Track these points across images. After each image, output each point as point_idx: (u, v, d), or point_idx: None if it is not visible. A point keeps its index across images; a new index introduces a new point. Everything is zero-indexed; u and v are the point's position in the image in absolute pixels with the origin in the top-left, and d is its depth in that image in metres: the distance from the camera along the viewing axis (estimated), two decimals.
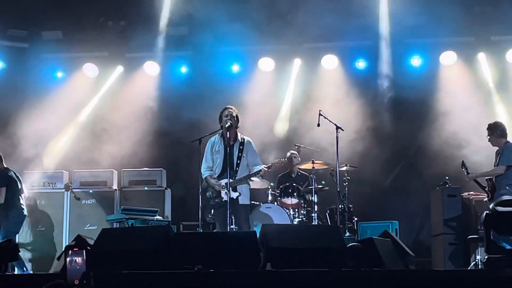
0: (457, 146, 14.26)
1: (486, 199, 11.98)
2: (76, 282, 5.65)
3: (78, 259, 5.84)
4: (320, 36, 15.22)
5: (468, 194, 13.03)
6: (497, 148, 11.74)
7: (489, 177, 11.75)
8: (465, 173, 12.06)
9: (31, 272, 12.90)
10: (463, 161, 12.29)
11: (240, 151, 11.17)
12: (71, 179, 14.55)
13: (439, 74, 15.46)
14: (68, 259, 5.83)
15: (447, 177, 12.80)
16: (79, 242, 8.81)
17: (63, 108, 15.51)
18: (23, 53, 15.85)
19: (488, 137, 11.86)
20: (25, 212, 12.63)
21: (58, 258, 9.03)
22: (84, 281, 5.62)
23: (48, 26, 15.67)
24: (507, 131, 11.95)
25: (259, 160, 11.33)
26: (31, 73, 15.66)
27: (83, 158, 15.09)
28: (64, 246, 12.97)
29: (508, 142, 11.68)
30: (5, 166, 12.60)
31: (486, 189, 11.82)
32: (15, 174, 12.58)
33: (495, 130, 11.77)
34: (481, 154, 12.97)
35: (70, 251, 5.85)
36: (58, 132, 15.46)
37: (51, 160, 15.04)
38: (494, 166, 11.69)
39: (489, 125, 11.95)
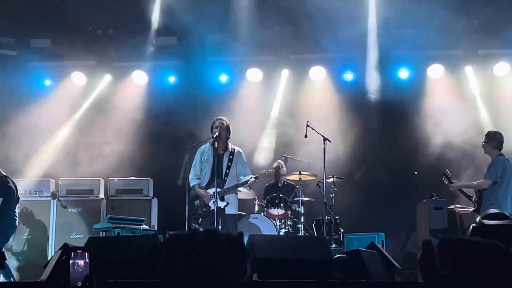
0: (445, 158, 14.32)
1: (472, 209, 12.03)
2: (79, 284, 5.63)
3: (81, 262, 5.81)
4: (308, 48, 15.30)
5: (455, 207, 13.07)
6: (490, 158, 11.78)
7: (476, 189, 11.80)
8: (446, 182, 12.08)
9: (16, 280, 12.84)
10: (445, 170, 12.32)
11: (230, 160, 11.20)
12: (57, 188, 14.51)
13: (426, 87, 15.52)
14: (70, 262, 5.80)
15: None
16: (66, 251, 8.78)
17: (50, 116, 15.47)
18: (11, 61, 15.81)
19: (484, 143, 11.90)
20: (17, 223, 12.55)
21: (45, 266, 8.99)
22: (87, 284, 5.60)
23: (37, 34, 15.66)
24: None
25: (249, 171, 11.37)
26: (19, 81, 15.63)
27: (70, 167, 15.05)
28: (50, 254, 12.93)
29: (500, 155, 11.71)
30: (4, 174, 12.35)
31: (473, 199, 11.85)
32: (13, 183, 12.39)
33: (493, 140, 11.80)
34: (469, 166, 13.02)
35: (72, 253, 5.82)
36: (46, 140, 15.41)
37: (38, 168, 14.99)
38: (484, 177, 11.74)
39: (489, 132, 11.99)
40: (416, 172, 13.87)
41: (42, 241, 14.01)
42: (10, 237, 12.58)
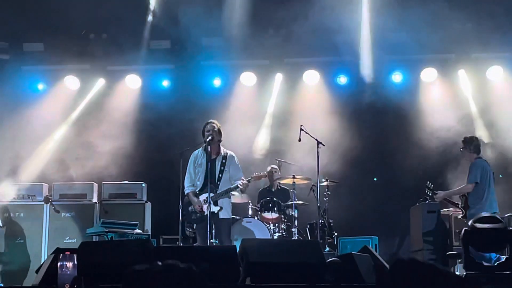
0: (438, 162, 14.35)
1: (460, 215, 12.06)
2: (67, 286, 5.62)
3: (69, 264, 5.81)
4: (301, 52, 15.31)
5: (448, 210, 13.09)
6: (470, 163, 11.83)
7: (461, 194, 11.82)
8: (430, 194, 12.10)
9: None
10: (427, 182, 12.32)
11: (223, 165, 11.17)
12: (50, 192, 14.48)
13: (419, 90, 15.54)
14: (59, 264, 5.79)
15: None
16: (58, 255, 8.76)
17: (44, 120, 15.45)
18: (4, 65, 15.79)
19: (461, 150, 11.94)
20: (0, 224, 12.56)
21: (37, 271, 8.98)
22: (75, 286, 5.59)
23: (30, 38, 15.64)
24: (483, 147, 12.07)
25: (241, 174, 11.32)
26: (12, 85, 15.60)
27: (63, 171, 15.02)
28: (43, 259, 12.90)
29: (479, 158, 11.75)
30: None
31: (460, 205, 11.88)
32: None
33: (469, 145, 11.84)
34: (462, 170, 13.02)
35: (61, 255, 5.81)
36: (39, 144, 15.38)
37: (31, 172, 14.95)
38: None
39: (465, 138, 12.02)
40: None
41: (35, 246, 13.96)
42: None
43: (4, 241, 13.78)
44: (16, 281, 13.37)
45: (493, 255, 9.96)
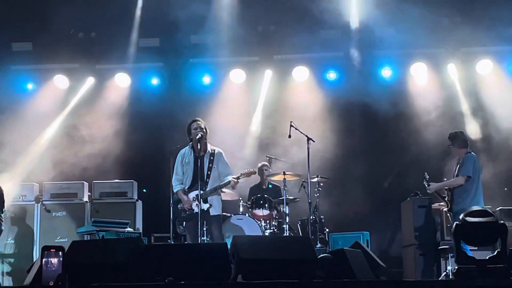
0: (429, 156, 14.36)
1: (445, 209, 12.07)
2: (51, 283, 5.58)
3: (54, 260, 5.77)
4: (290, 48, 15.29)
5: (439, 205, 13.09)
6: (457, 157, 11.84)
7: (447, 187, 11.83)
8: (426, 185, 12.10)
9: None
10: (425, 173, 12.33)
11: (211, 161, 11.16)
12: (41, 191, 14.45)
13: (409, 85, 15.55)
14: (44, 260, 5.74)
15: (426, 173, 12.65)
16: None
17: (33, 120, 15.40)
18: None
19: (449, 146, 11.94)
20: (3, 227, 12.53)
21: (28, 271, 8.94)
22: (60, 283, 5.55)
23: (18, 38, 15.59)
24: (470, 141, 12.09)
25: (230, 171, 11.31)
26: (1, 85, 15.55)
27: (54, 170, 14.97)
28: (35, 259, 12.87)
29: (469, 152, 11.76)
30: None
31: (446, 199, 11.89)
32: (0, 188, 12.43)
33: (456, 141, 11.86)
34: (452, 164, 13.04)
35: (46, 252, 5.77)
36: (29, 144, 15.32)
37: (21, 172, 14.89)
38: (454, 176, 11.77)
39: (450, 134, 12.04)
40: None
41: (26, 246, 13.93)
42: None
43: None
44: (9, 281, 13.36)
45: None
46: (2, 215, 12.40)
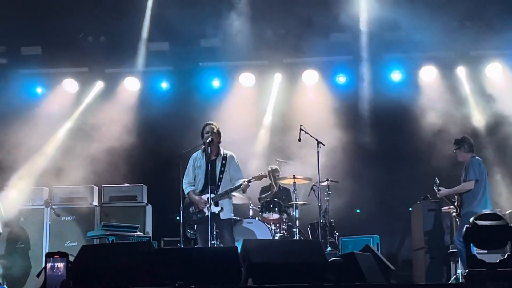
0: (438, 160, 14.32)
1: (454, 213, 12.05)
2: None
3: (60, 265, 5.76)
4: (300, 52, 15.27)
5: (449, 208, 13.06)
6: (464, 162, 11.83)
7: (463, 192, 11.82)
8: (436, 190, 12.09)
9: None
10: (435, 178, 12.32)
11: (223, 165, 11.14)
12: (51, 196, 14.47)
13: (419, 88, 15.52)
14: (48, 266, 5.74)
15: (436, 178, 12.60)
16: None
17: (43, 124, 15.40)
18: (2, 69, 15.79)
19: (455, 151, 11.94)
20: (0, 230, 12.56)
21: (38, 275, 8.97)
22: None
23: (27, 42, 15.61)
24: (479, 145, 12.09)
25: (242, 175, 11.28)
26: (10, 89, 15.59)
27: (63, 174, 14.97)
28: (44, 263, 12.86)
29: (474, 157, 11.78)
30: None
31: (456, 204, 11.89)
32: None
33: (463, 144, 11.88)
34: (461, 168, 13.02)
35: (51, 258, 5.76)
36: (38, 148, 15.34)
37: (31, 176, 14.90)
38: (462, 181, 11.75)
39: (456, 140, 12.06)
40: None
41: (36, 250, 13.94)
42: None
43: (6, 245, 13.75)
44: (19, 286, 13.36)
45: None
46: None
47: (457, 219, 12.01)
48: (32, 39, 15.47)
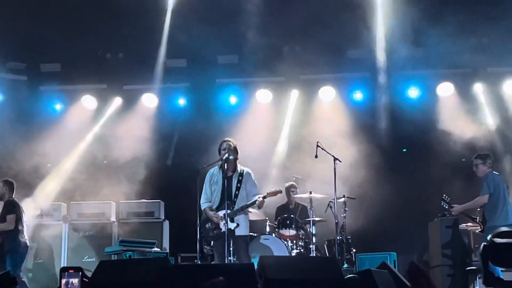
0: (456, 177, 14.28)
1: (478, 230, 12.03)
2: None
3: (74, 281, 5.80)
4: (317, 68, 15.29)
5: (466, 225, 13.03)
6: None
7: (477, 207, 11.81)
8: (446, 207, 12.06)
9: None
10: (443, 195, 12.29)
11: (239, 181, 11.14)
12: (69, 211, 14.54)
13: (436, 105, 15.51)
14: (63, 281, 5.78)
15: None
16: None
17: (61, 140, 15.50)
18: (22, 85, 15.90)
19: (478, 165, 11.91)
20: (29, 243, 12.58)
21: None
22: None
23: (47, 59, 15.76)
24: (496, 159, 12.09)
25: (258, 191, 11.29)
26: (30, 106, 15.72)
27: (81, 190, 15.05)
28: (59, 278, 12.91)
29: (491, 172, 11.76)
30: (14, 196, 12.55)
31: (477, 220, 11.86)
32: (20, 205, 12.54)
33: (487, 160, 11.87)
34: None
35: (66, 273, 5.80)
36: (57, 164, 15.44)
37: (50, 192, 14.99)
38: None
39: (480, 155, 12.05)
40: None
41: (54, 265, 14.00)
42: (25, 259, 12.58)
43: (26, 261, 13.80)
44: None
45: None
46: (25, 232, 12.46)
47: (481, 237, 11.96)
48: (51, 56, 15.63)
